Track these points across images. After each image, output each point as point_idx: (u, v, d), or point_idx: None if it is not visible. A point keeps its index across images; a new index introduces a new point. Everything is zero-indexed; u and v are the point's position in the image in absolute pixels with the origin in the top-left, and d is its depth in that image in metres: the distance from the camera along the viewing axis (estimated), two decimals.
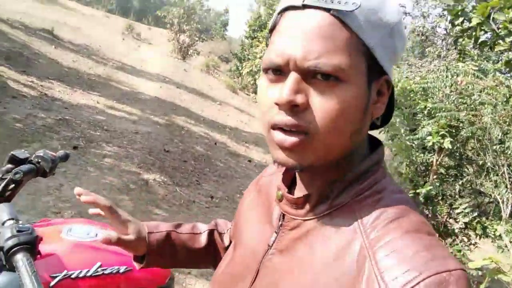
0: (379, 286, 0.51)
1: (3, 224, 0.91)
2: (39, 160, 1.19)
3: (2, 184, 1.11)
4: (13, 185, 1.13)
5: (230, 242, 0.94)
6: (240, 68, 17.68)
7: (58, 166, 1.30)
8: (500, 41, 3.73)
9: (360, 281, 0.54)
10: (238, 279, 0.73)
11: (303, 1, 0.56)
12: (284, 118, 0.56)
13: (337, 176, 0.63)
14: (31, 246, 0.85)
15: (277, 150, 0.59)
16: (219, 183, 5.44)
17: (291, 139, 0.57)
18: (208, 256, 0.98)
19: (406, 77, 6.63)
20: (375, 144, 0.68)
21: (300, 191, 0.68)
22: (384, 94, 0.62)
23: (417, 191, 4.90)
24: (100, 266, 0.96)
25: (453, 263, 0.52)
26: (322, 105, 0.55)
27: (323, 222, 0.62)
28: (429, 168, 5.67)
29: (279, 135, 0.58)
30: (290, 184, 0.72)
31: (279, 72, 0.58)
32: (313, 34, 0.55)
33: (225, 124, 9.22)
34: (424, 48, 14.46)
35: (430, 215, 4.75)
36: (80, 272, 1.05)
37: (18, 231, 0.85)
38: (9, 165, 1.13)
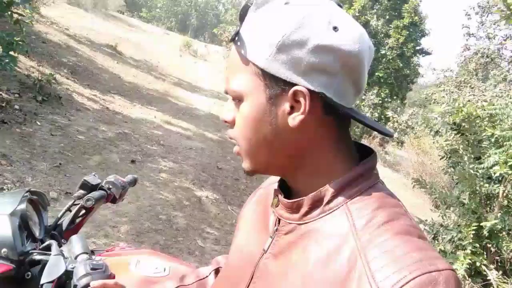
0: (370, 285, 0.53)
1: (75, 258, 0.89)
2: (110, 186, 1.18)
3: (73, 211, 1.11)
4: (83, 211, 1.12)
5: None
6: None
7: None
8: None
9: (351, 281, 0.56)
10: (233, 283, 0.76)
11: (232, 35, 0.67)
12: (226, 132, 0.71)
13: (326, 181, 0.65)
14: None
15: None
16: None
17: (234, 148, 0.70)
18: None
19: (468, 101, 6.31)
20: (369, 152, 0.70)
21: (295, 196, 0.70)
22: (300, 103, 0.62)
23: (481, 224, 4.58)
24: None
25: (442, 263, 0.54)
26: (236, 121, 0.66)
27: (317, 225, 0.64)
28: (494, 199, 5.31)
29: None
30: (287, 192, 0.74)
31: None
32: (228, 64, 0.67)
33: None
34: (488, 70, 13.80)
35: (493, 250, 4.43)
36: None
37: (92, 268, 0.82)
38: (81, 191, 1.13)
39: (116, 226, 3.41)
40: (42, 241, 1.01)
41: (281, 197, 0.71)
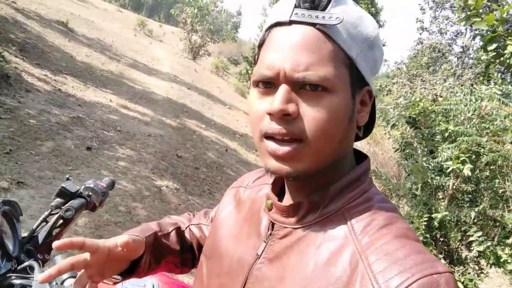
0: (373, 287, 0.53)
1: (62, 283, 0.80)
2: (90, 193, 1.09)
3: (51, 222, 1.01)
4: (61, 221, 1.02)
5: (191, 244, 0.94)
6: (250, 72, 17.60)
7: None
8: None
9: (353, 284, 0.55)
10: None
11: (289, 17, 0.60)
12: (276, 127, 0.59)
13: (326, 184, 0.64)
14: None
15: (269, 159, 0.62)
16: None
17: (284, 148, 0.59)
18: (180, 255, 0.92)
19: (420, 93, 6.55)
20: (362, 156, 0.71)
21: (290, 199, 0.68)
22: (366, 103, 0.65)
23: (433, 215, 4.78)
24: None
25: (442, 266, 0.55)
26: (312, 113, 0.59)
27: (314, 229, 0.63)
28: (444, 191, 5.56)
29: (272, 145, 0.60)
30: (279, 193, 0.72)
31: (269, 84, 0.61)
32: (301, 48, 0.59)
33: (235, 130, 9.12)
34: (440, 65, 14.36)
35: (442, 241, 4.65)
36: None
37: None
38: (58, 199, 1.03)
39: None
40: (17, 258, 0.90)
41: (275, 201, 0.69)
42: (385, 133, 9.08)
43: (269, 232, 0.69)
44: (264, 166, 0.64)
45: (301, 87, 0.59)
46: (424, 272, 0.52)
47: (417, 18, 14.71)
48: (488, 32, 3.83)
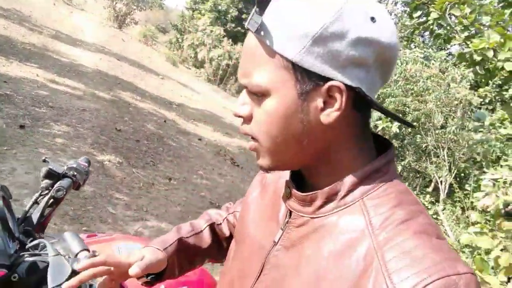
0: (386, 286, 0.52)
1: (75, 256, 0.86)
2: (75, 173, 1.13)
3: (42, 203, 1.05)
4: (52, 201, 1.07)
5: (231, 234, 0.98)
6: (180, 41, 17.19)
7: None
8: (456, 36, 3.97)
9: (367, 280, 0.54)
10: (243, 274, 0.74)
11: (246, 25, 0.61)
12: (240, 126, 0.66)
13: (343, 175, 0.63)
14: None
15: None
16: (174, 164, 5.36)
17: (249, 144, 0.66)
18: (216, 250, 0.98)
19: None
20: (386, 145, 0.68)
21: (309, 188, 0.67)
22: (334, 99, 0.59)
23: None
24: None
25: (462, 266, 0.52)
26: (256, 116, 0.62)
27: (331, 220, 0.62)
28: None
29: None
30: (299, 181, 0.71)
31: None
32: (245, 55, 0.62)
33: (171, 100, 9.01)
34: None
35: None
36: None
37: None
38: (47, 181, 1.07)
39: (19, 199, 3.14)
40: (19, 239, 0.94)
41: (293, 189, 0.68)
42: None
43: (287, 219, 0.69)
44: None
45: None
46: (442, 273, 0.50)
47: None
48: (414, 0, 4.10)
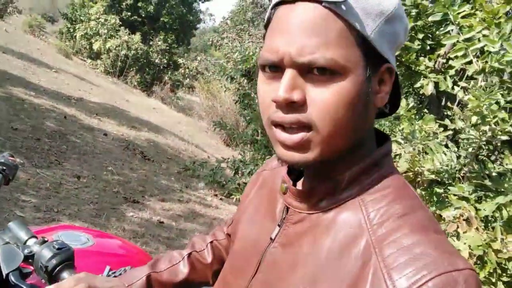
0: (385, 284, 0.51)
1: (25, 243, 0.88)
2: (4, 168, 1.11)
3: None
4: None
5: (214, 254, 0.96)
6: (72, 31, 16.14)
7: None
8: None
9: (365, 277, 0.53)
10: (239, 271, 0.73)
11: None
12: (282, 116, 0.57)
13: (343, 169, 0.61)
14: (71, 261, 0.86)
15: (278, 148, 0.60)
16: (81, 161, 5.13)
17: (293, 138, 0.57)
18: (194, 279, 0.94)
19: (248, 47, 7.07)
20: (383, 138, 0.67)
21: (305, 184, 0.66)
22: (386, 82, 0.60)
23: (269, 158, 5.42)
24: (110, 270, 0.98)
25: (462, 262, 0.52)
26: (320, 99, 0.55)
27: (329, 216, 0.61)
28: None
29: (281, 134, 0.58)
30: (296, 177, 0.70)
31: (275, 68, 0.58)
32: (306, 29, 0.54)
33: (68, 95, 8.50)
34: (261, 19, 15.35)
35: None
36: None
37: (57, 249, 0.84)
38: None
39: None
40: None
41: (290, 184, 0.67)
42: (221, 87, 9.58)
43: (284, 216, 0.67)
44: (276, 154, 0.61)
45: (308, 72, 0.55)
46: (441, 269, 0.50)
47: None
48: None
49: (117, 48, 14.40)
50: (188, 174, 6.15)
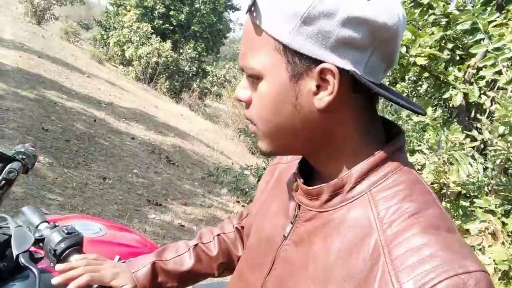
0: (393, 286, 0.50)
1: (36, 227, 0.90)
2: (23, 157, 1.13)
3: None
4: (3, 183, 1.07)
5: (220, 247, 0.98)
6: (105, 38, 16.62)
7: None
8: None
9: (373, 279, 0.53)
10: (255, 267, 0.74)
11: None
12: (243, 111, 0.69)
13: (347, 166, 0.61)
14: (80, 246, 0.87)
15: None
16: (107, 163, 5.23)
17: (250, 127, 0.66)
18: (199, 271, 0.97)
19: None
20: (395, 132, 0.65)
21: (316, 181, 0.66)
22: (327, 82, 0.56)
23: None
24: (119, 259, 0.99)
25: (473, 263, 0.50)
26: (253, 100, 0.62)
27: (339, 215, 0.61)
28: None
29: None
30: (308, 174, 0.70)
31: None
32: (243, 37, 0.62)
33: (99, 99, 8.72)
34: None
35: None
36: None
37: (67, 233, 0.85)
38: None
39: None
40: None
41: (300, 182, 0.67)
42: None
43: (296, 213, 0.68)
44: None
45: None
46: (451, 272, 0.48)
47: None
48: None
49: (148, 55, 14.73)
50: (212, 180, 6.18)
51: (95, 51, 15.79)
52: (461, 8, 2.93)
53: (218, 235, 1.00)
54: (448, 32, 2.76)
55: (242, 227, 1.00)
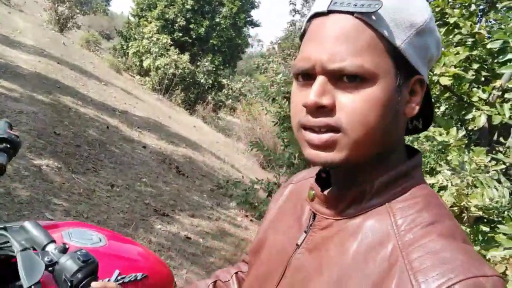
0: (411, 285, 0.51)
1: (43, 248, 0.80)
2: (8, 145, 1.03)
3: None
4: None
5: (239, 284, 0.95)
6: (125, 48, 16.80)
7: None
8: None
9: (391, 280, 0.53)
10: (264, 279, 0.73)
11: (327, 7, 0.58)
12: (311, 120, 0.59)
13: (372, 177, 0.62)
14: (96, 275, 0.78)
15: (306, 148, 0.61)
16: (116, 171, 5.17)
17: (321, 137, 0.59)
18: None
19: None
20: (413, 152, 0.68)
21: (333, 190, 0.66)
22: (417, 93, 0.62)
23: None
24: (119, 274, 0.89)
25: (490, 269, 0.52)
26: (350, 104, 0.57)
27: (356, 222, 0.62)
28: None
29: (309, 135, 0.60)
30: (324, 185, 0.70)
31: (307, 76, 0.61)
32: (338, 38, 0.57)
33: (114, 107, 8.74)
34: None
35: None
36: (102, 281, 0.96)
37: (83, 261, 0.76)
38: None
39: None
40: None
41: (318, 190, 0.67)
42: (263, 109, 9.61)
43: (310, 222, 0.68)
44: (304, 155, 0.62)
45: (339, 79, 0.58)
46: (469, 274, 0.49)
47: (290, 1, 15.55)
48: None
49: (165, 67, 14.80)
50: (221, 192, 6.07)
51: (114, 60, 15.94)
52: (488, 29, 2.82)
53: (236, 273, 0.97)
54: (474, 53, 2.65)
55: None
